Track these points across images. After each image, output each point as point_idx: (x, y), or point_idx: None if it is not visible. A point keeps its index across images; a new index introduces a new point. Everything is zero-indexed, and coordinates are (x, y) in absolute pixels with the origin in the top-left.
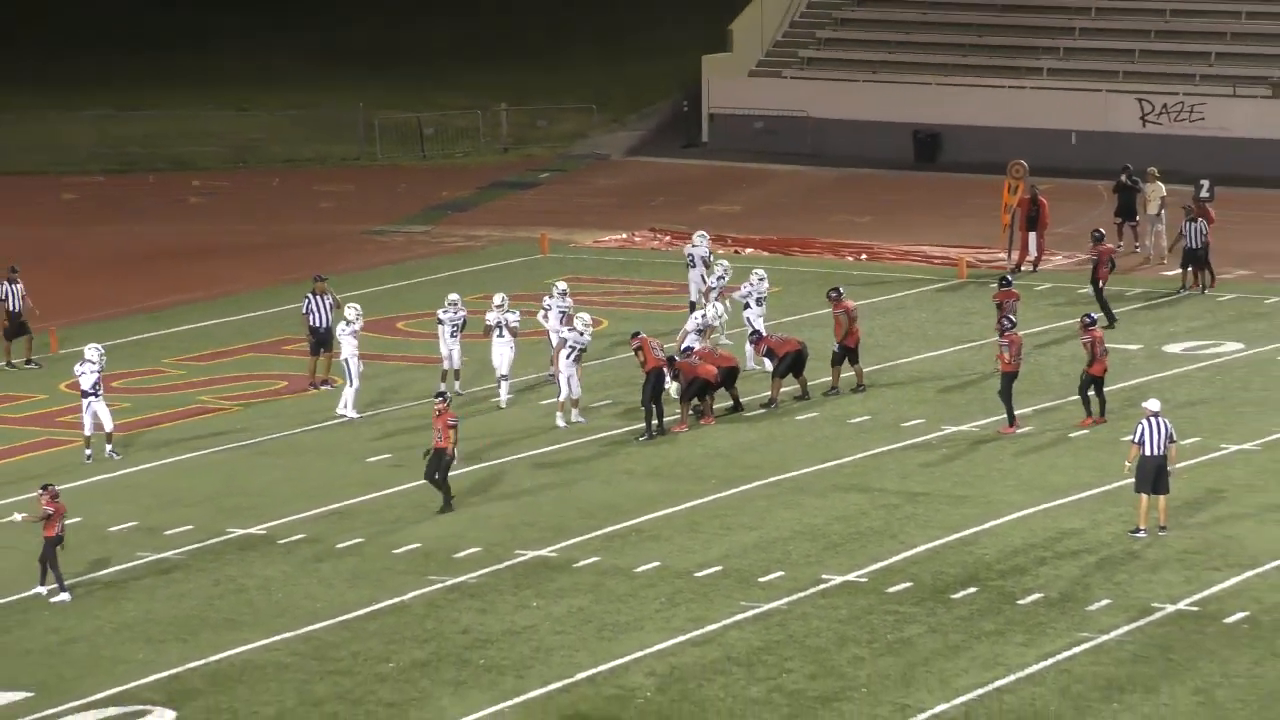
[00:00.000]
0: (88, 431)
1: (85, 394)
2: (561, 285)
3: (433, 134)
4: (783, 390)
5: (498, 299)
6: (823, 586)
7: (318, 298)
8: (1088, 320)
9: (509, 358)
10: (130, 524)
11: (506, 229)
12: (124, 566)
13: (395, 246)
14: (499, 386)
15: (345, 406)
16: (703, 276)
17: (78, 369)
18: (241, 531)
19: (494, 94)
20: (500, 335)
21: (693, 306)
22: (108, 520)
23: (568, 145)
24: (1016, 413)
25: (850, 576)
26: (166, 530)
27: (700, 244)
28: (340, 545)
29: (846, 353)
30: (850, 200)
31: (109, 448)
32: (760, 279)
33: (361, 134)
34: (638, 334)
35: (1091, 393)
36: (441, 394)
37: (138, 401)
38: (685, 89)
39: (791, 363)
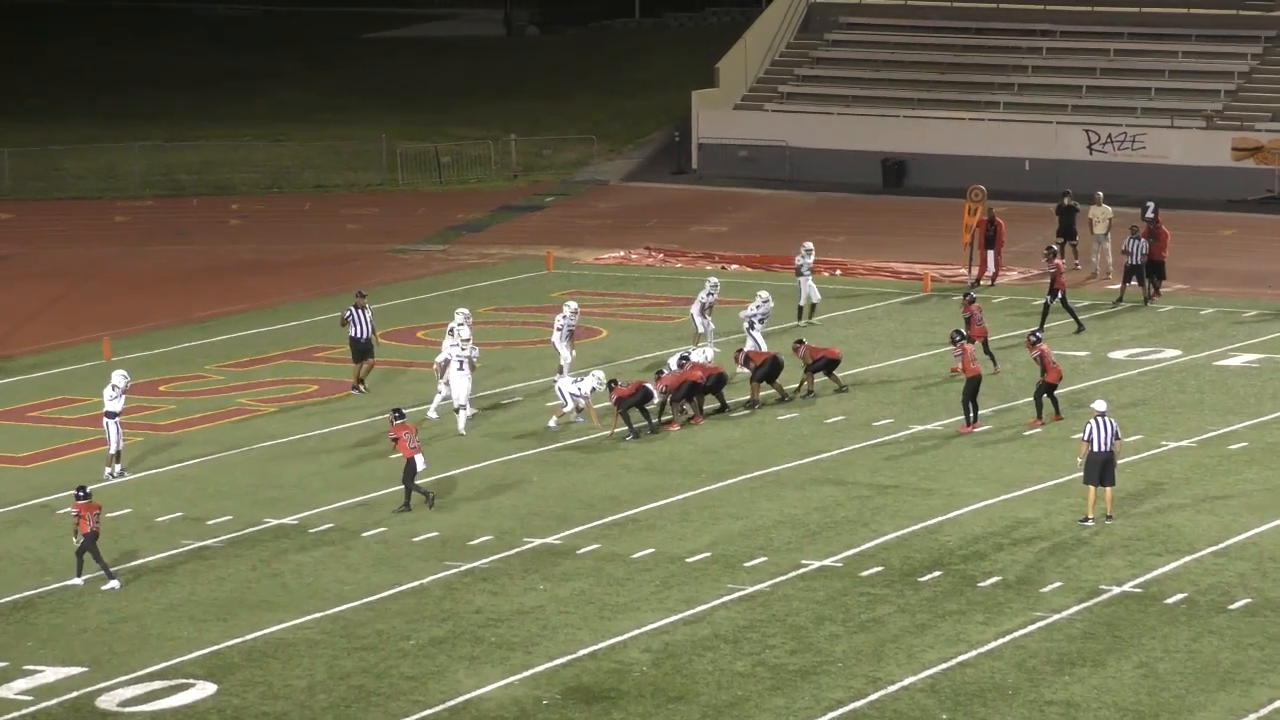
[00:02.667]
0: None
1: (110, 415)
2: (572, 304)
3: (449, 162)
4: (761, 393)
5: (465, 332)
6: (802, 570)
7: (358, 311)
8: (1034, 338)
9: (467, 389)
10: (176, 514)
11: (515, 247)
12: (170, 553)
13: (415, 263)
14: (458, 415)
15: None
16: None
17: (107, 393)
18: (276, 521)
19: (505, 126)
20: (460, 369)
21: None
22: (155, 511)
23: (571, 172)
24: (997, 408)
25: (827, 561)
26: (208, 520)
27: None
28: (365, 534)
29: (829, 364)
30: (825, 221)
31: (119, 468)
32: (765, 300)
33: (385, 162)
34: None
35: (1047, 397)
36: (397, 410)
37: (182, 404)
38: (676, 121)
39: (768, 370)
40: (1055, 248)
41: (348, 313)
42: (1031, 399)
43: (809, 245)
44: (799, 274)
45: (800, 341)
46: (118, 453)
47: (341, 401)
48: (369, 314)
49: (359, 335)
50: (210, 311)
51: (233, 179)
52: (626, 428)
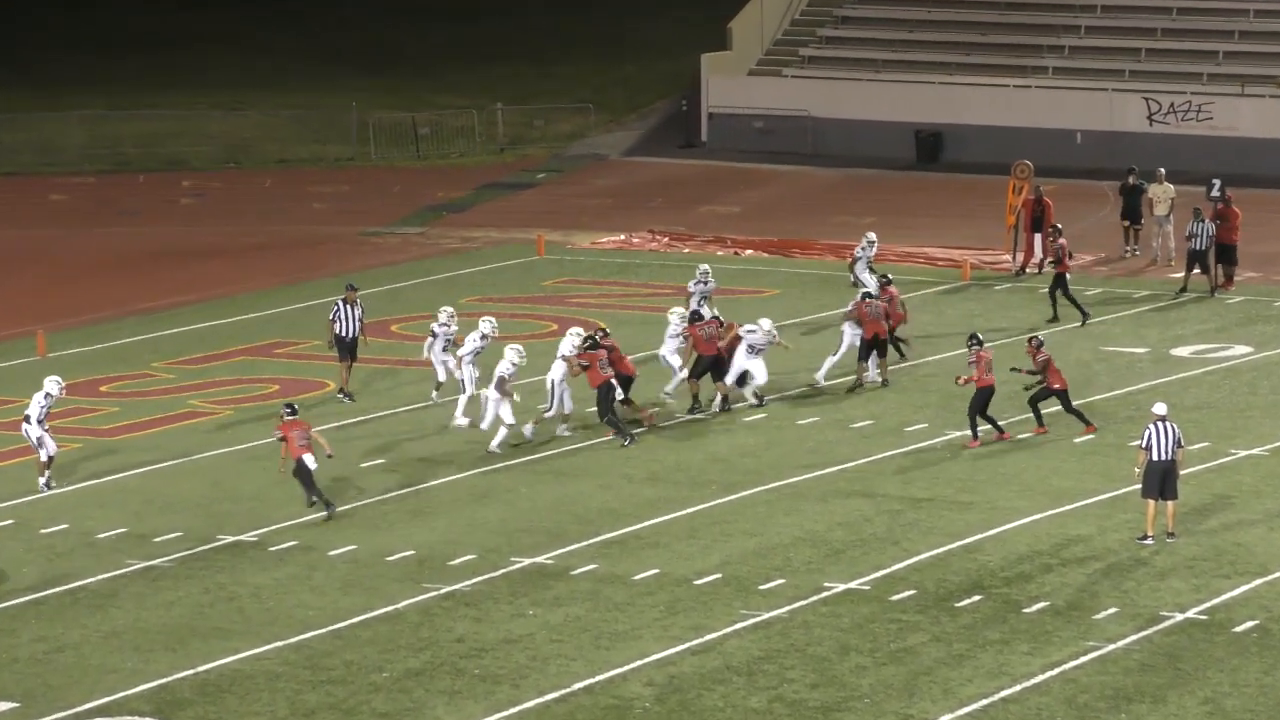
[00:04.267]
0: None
1: (31, 420)
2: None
3: (428, 134)
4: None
5: (486, 327)
6: (824, 594)
7: (348, 306)
8: (1036, 343)
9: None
10: (119, 530)
11: (503, 230)
12: (112, 574)
13: (390, 248)
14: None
15: (459, 414)
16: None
17: (38, 400)
18: (232, 538)
19: (490, 93)
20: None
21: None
22: (96, 526)
23: (564, 145)
24: (1018, 417)
25: (852, 584)
26: (156, 537)
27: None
28: (333, 552)
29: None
30: (852, 201)
31: (48, 475)
32: (704, 273)
33: (355, 134)
34: (593, 345)
35: (1065, 409)
36: (289, 405)
37: (127, 405)
38: (683, 88)
39: (709, 365)
40: (1059, 225)
41: (335, 308)
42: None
43: (871, 236)
44: (856, 269)
45: (977, 341)
46: (50, 459)
47: (308, 404)
48: (359, 311)
49: (345, 333)
50: (159, 302)
51: (185, 152)
52: (617, 434)
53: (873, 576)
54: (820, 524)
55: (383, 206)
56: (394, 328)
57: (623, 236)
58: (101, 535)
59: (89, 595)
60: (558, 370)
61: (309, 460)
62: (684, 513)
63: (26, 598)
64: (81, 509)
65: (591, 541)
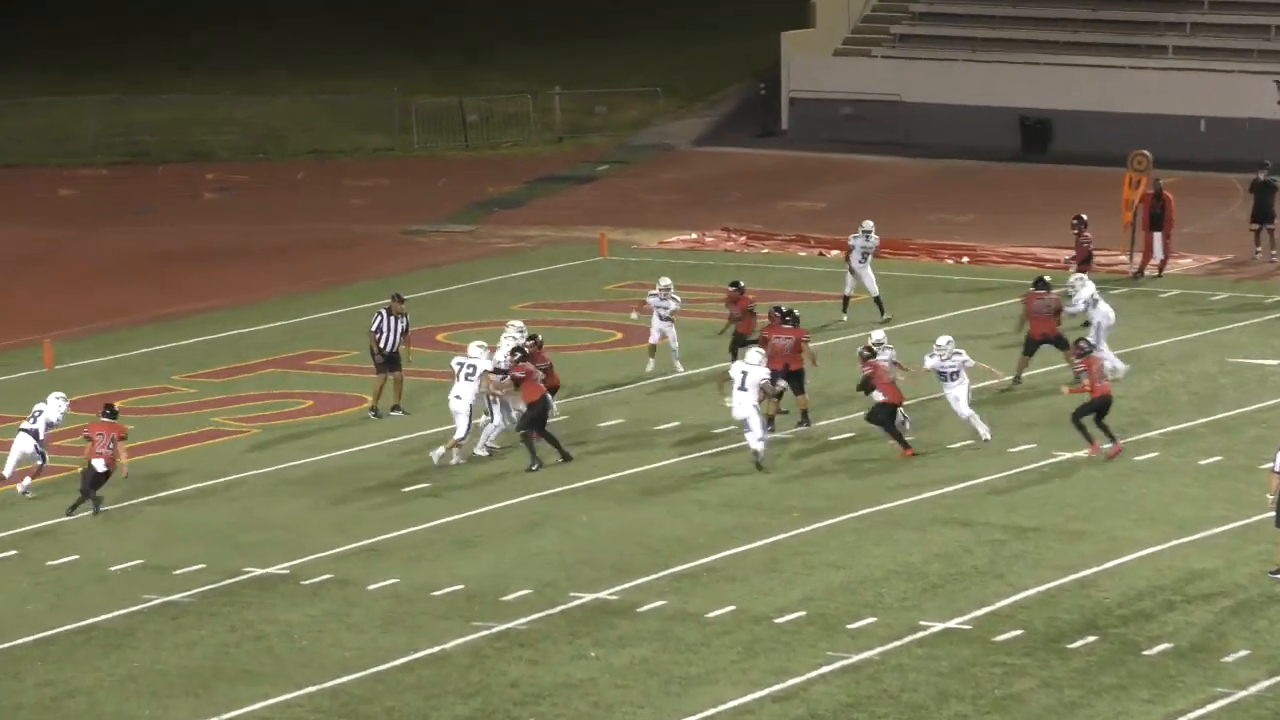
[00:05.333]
0: (8, 470)
1: (26, 431)
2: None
3: (477, 121)
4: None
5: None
6: (920, 634)
7: (392, 318)
8: (1084, 346)
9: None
10: (134, 562)
11: (560, 228)
12: (127, 611)
13: (435, 248)
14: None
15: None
16: None
17: (43, 411)
18: (260, 571)
19: (546, 76)
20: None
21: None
22: (109, 558)
23: (629, 134)
24: (1136, 437)
25: (952, 623)
26: (176, 569)
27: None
28: (373, 586)
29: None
30: (949, 196)
31: (26, 484)
32: (665, 289)
33: (397, 122)
34: (523, 358)
35: (1096, 423)
36: (109, 407)
37: (144, 424)
38: (762, 70)
39: (784, 377)
40: (1085, 217)
41: (378, 318)
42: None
43: (869, 224)
44: (852, 260)
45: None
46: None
47: (343, 424)
48: (404, 322)
49: (387, 346)
50: (178, 308)
51: (208, 142)
52: (533, 458)
53: (974, 614)
54: (915, 555)
55: (427, 202)
56: (440, 337)
57: (694, 235)
58: (115, 568)
59: (101, 634)
60: (467, 391)
61: (99, 464)
62: (763, 542)
63: (32, 637)
64: (93, 539)
65: (660, 575)
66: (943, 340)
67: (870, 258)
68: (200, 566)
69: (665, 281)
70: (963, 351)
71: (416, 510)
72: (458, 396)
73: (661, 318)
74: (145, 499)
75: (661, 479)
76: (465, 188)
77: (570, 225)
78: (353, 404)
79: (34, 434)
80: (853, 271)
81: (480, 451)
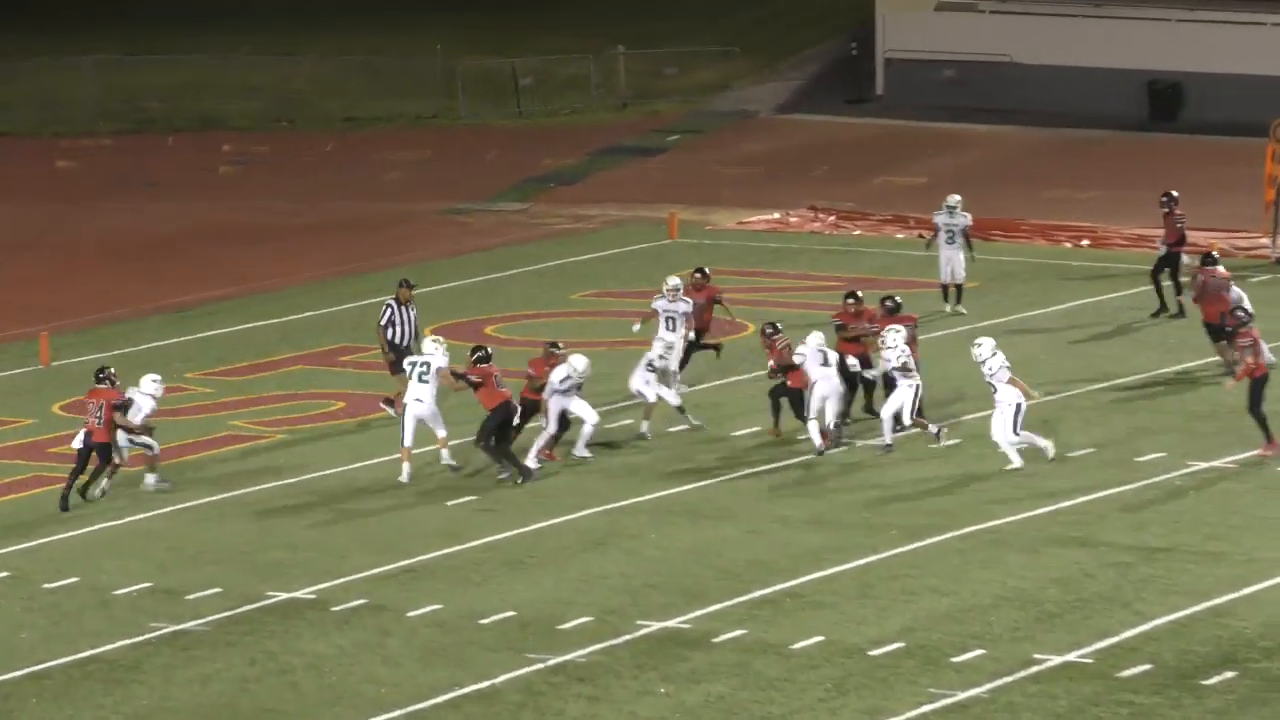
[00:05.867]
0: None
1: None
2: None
3: (531, 85)
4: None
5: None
6: (1035, 669)
7: (403, 308)
8: (1243, 316)
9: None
10: (141, 585)
11: (625, 207)
12: (133, 641)
13: (483, 230)
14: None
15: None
16: None
17: (136, 398)
18: (285, 595)
19: (609, 34)
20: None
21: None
22: (112, 581)
23: (703, 99)
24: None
25: (1070, 656)
26: (188, 593)
27: None
28: (412, 613)
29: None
30: (1067, 170)
31: (104, 484)
32: (674, 289)
33: (440, 86)
34: (484, 358)
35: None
36: (103, 369)
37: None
38: (853, 27)
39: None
40: (1175, 194)
41: (387, 310)
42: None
43: (956, 198)
44: (937, 239)
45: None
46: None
47: (380, 426)
48: (414, 312)
49: (401, 340)
50: (191, 296)
51: (223, 109)
52: (501, 466)
53: (1096, 647)
54: (1029, 580)
55: (473, 177)
56: (489, 330)
57: (776, 215)
58: (119, 591)
59: (104, 668)
60: (426, 393)
61: (77, 441)
62: (855, 564)
63: (25, 670)
64: (94, 558)
65: (738, 601)
66: (983, 344)
67: (961, 238)
68: (216, 590)
69: (674, 281)
70: (999, 356)
71: (462, 526)
72: (418, 400)
73: (669, 327)
74: (153, 512)
75: (740, 492)
76: (517, 161)
77: (636, 203)
78: (381, 406)
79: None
80: (939, 254)
81: (450, 461)
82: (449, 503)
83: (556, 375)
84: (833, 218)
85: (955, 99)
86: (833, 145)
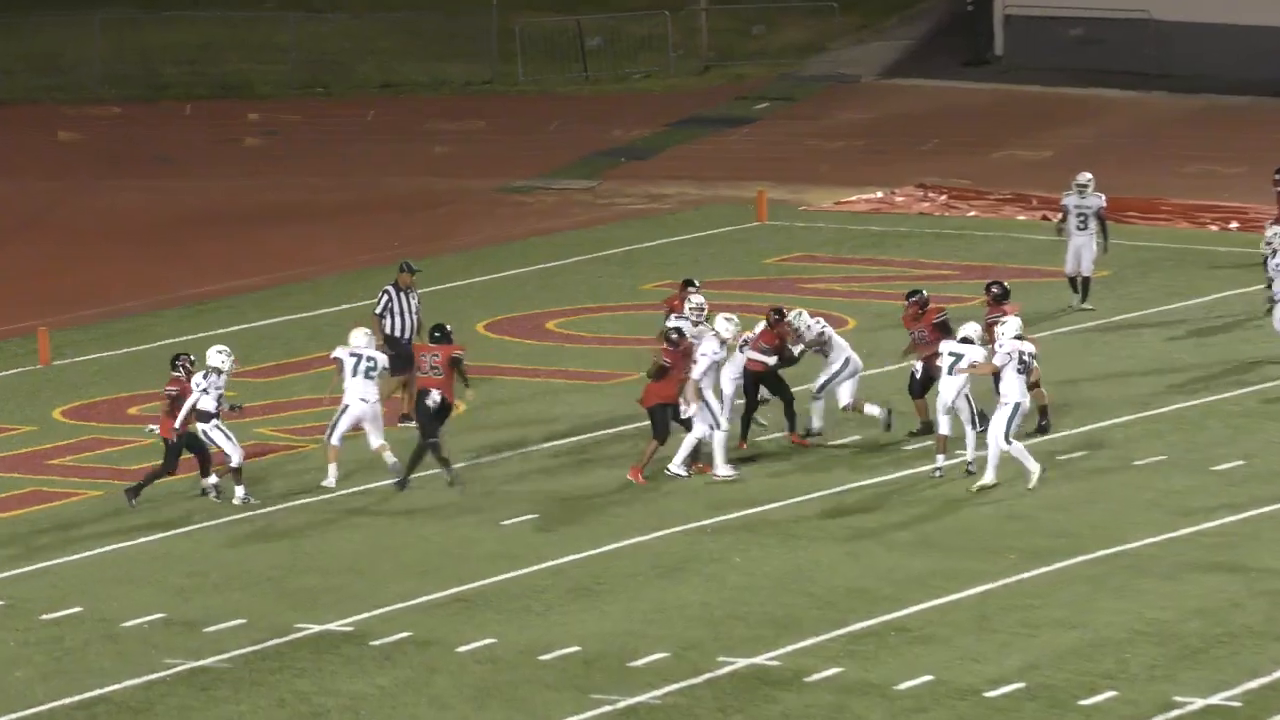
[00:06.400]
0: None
1: (206, 416)
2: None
3: (599, 46)
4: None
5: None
6: (1175, 713)
7: (403, 294)
8: None
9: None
10: (154, 616)
11: (705, 185)
12: (145, 679)
13: (543, 210)
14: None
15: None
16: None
17: (201, 383)
18: (318, 628)
19: None
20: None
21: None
22: (122, 611)
23: (796, 62)
24: None
25: (1215, 698)
26: (207, 626)
27: None
28: (463, 648)
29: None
30: (1213, 142)
31: (240, 490)
32: (699, 308)
33: (495, 48)
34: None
35: None
36: (179, 357)
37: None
38: None
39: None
40: None
41: (385, 297)
42: None
43: (1086, 176)
44: (1067, 224)
45: None
46: (238, 468)
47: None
48: (416, 300)
49: (400, 333)
50: (209, 288)
51: (248, 73)
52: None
53: (1245, 688)
54: (1168, 611)
55: (533, 151)
56: (550, 325)
57: (880, 194)
58: (129, 623)
59: (111, 709)
60: (372, 392)
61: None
62: (969, 593)
63: (21, 714)
64: (100, 583)
65: (835, 634)
66: (969, 330)
67: (1094, 223)
68: (239, 622)
69: (698, 300)
70: (971, 344)
71: (519, 548)
72: (363, 400)
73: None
74: (169, 533)
75: (837, 509)
76: (583, 132)
77: (719, 181)
78: (398, 419)
79: (205, 416)
80: (1067, 241)
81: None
82: (504, 521)
83: (710, 346)
84: (944, 197)
85: (1085, 61)
86: (945, 114)
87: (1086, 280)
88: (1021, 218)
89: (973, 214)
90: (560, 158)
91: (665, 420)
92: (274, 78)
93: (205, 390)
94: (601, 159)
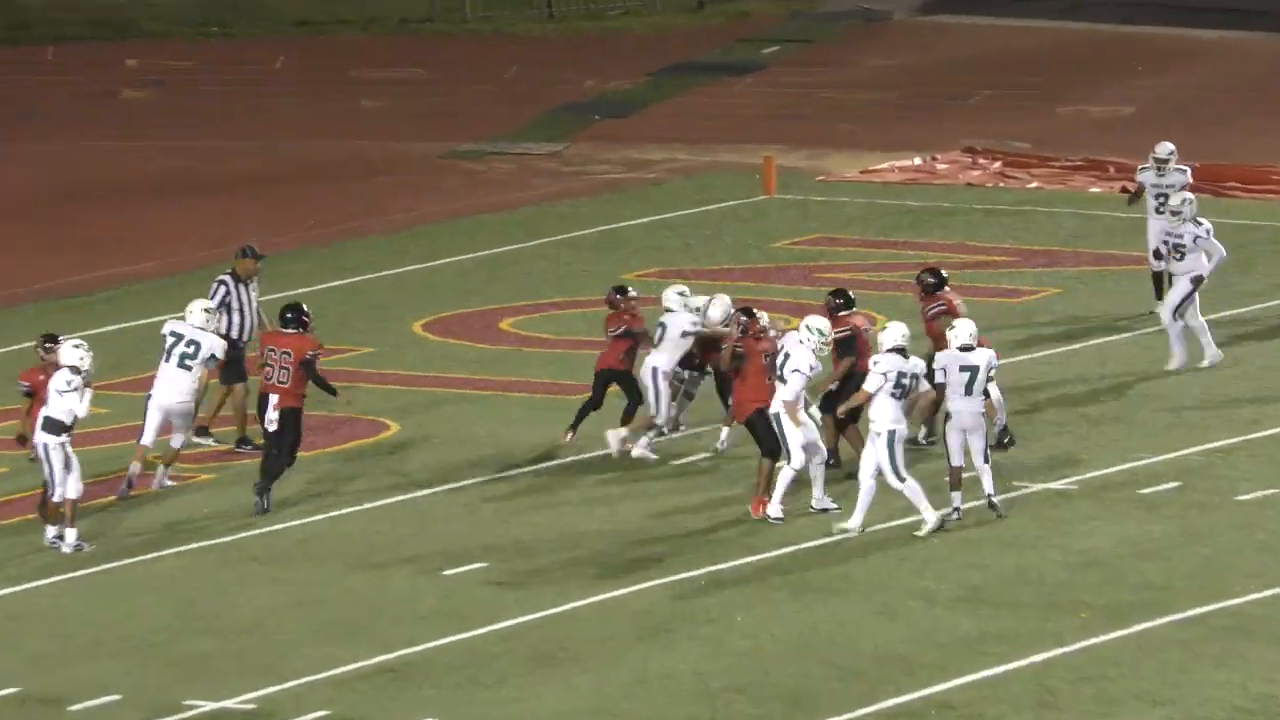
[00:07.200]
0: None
1: (56, 427)
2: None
3: None
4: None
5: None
6: None
7: (243, 286)
8: None
9: None
10: (7, 691)
11: (700, 149)
12: None
13: (498, 181)
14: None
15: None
16: None
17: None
18: (211, 705)
19: None
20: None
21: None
22: None
23: None
24: None
25: None
26: (74, 702)
27: None
28: None
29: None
30: None
31: (71, 535)
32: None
33: None
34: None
35: None
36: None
37: (18, 464)
38: None
39: None
40: None
41: (221, 289)
42: None
43: (1167, 148)
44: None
45: None
46: (74, 501)
47: (352, 457)
48: (254, 294)
49: (236, 333)
50: (74, 278)
51: (127, 9)
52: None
53: None
54: None
55: (485, 106)
56: (505, 324)
57: (917, 160)
58: None
59: None
60: (186, 384)
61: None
62: (1029, 661)
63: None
64: None
65: (863, 712)
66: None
67: (1179, 200)
68: (113, 698)
69: (677, 292)
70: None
71: (465, 604)
72: (174, 394)
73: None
74: (27, 585)
75: (864, 556)
76: (547, 83)
77: (716, 144)
78: (377, 430)
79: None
80: (1147, 225)
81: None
82: (447, 571)
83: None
84: (998, 164)
85: None
86: (998, 60)
87: (1173, 277)
88: (1095, 190)
89: (1033, 185)
90: (519, 115)
91: (769, 428)
92: (160, 13)
93: (61, 393)
94: (570, 116)
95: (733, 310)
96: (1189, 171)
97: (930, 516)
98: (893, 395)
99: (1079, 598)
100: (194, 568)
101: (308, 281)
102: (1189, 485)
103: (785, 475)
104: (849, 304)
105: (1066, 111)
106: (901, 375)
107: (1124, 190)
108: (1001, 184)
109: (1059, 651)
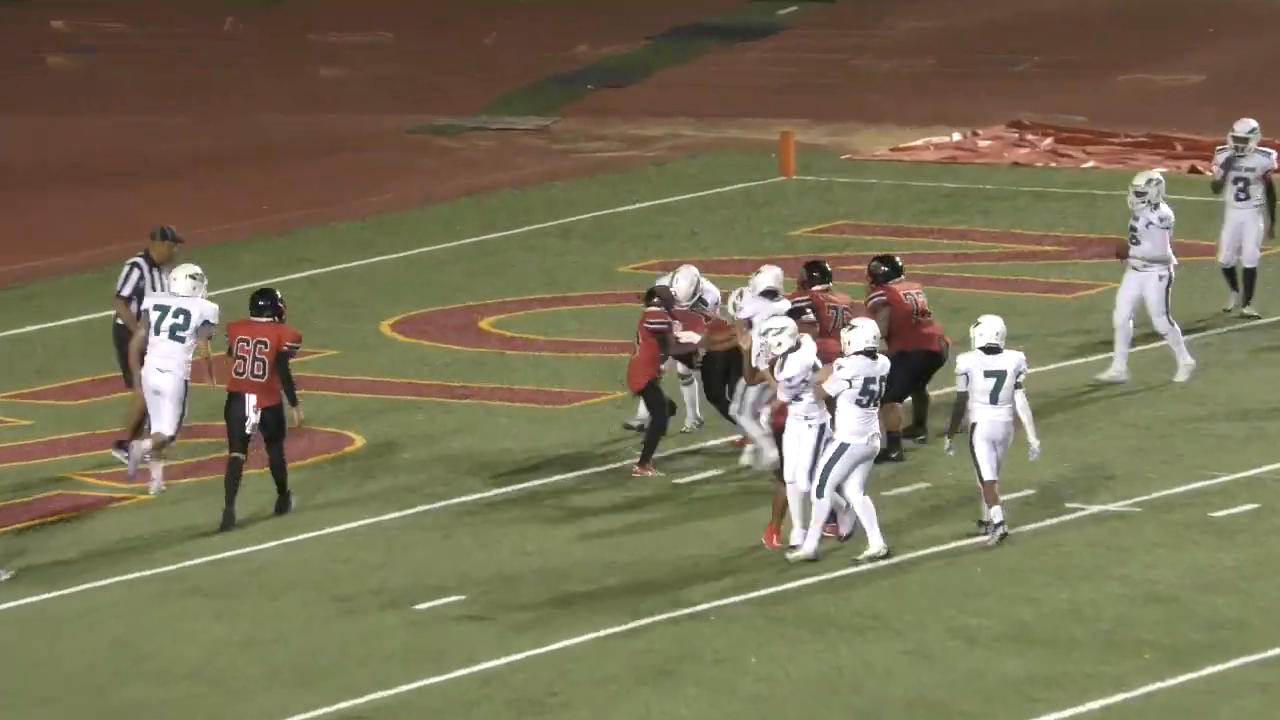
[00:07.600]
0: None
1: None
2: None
3: None
4: None
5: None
6: None
7: (158, 271)
8: None
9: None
10: None
11: (707, 124)
12: None
13: (478, 159)
14: None
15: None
16: None
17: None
18: None
19: None
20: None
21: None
22: None
23: None
24: None
25: None
26: None
27: None
28: None
29: None
30: None
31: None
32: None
33: None
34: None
35: None
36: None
37: None
38: None
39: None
40: None
41: (134, 273)
42: None
43: (1248, 125)
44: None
45: None
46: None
47: (308, 478)
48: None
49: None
50: (4, 268)
51: None
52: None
53: None
54: None
55: (463, 74)
56: (486, 323)
57: (957, 136)
58: None
59: None
60: (178, 356)
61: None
62: (1086, 708)
63: None
64: None
65: None
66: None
67: (1257, 189)
68: None
69: (684, 277)
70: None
71: (440, 642)
72: (161, 370)
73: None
74: None
75: (893, 587)
76: (533, 48)
77: (727, 118)
78: (340, 443)
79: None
80: (1225, 215)
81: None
82: (419, 605)
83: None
84: (1049, 140)
85: None
86: (1049, 20)
87: (1250, 273)
88: (1161, 171)
89: (1090, 165)
90: (501, 84)
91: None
92: None
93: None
94: (559, 86)
95: (701, 281)
96: (1274, 155)
97: (810, 547)
98: (858, 403)
99: (1141, 636)
100: (130, 600)
101: (262, 274)
102: (1267, 507)
103: (821, 508)
104: (825, 278)
105: (1127, 80)
106: (869, 381)
107: (1194, 170)
108: (1053, 164)
109: (1119, 698)
